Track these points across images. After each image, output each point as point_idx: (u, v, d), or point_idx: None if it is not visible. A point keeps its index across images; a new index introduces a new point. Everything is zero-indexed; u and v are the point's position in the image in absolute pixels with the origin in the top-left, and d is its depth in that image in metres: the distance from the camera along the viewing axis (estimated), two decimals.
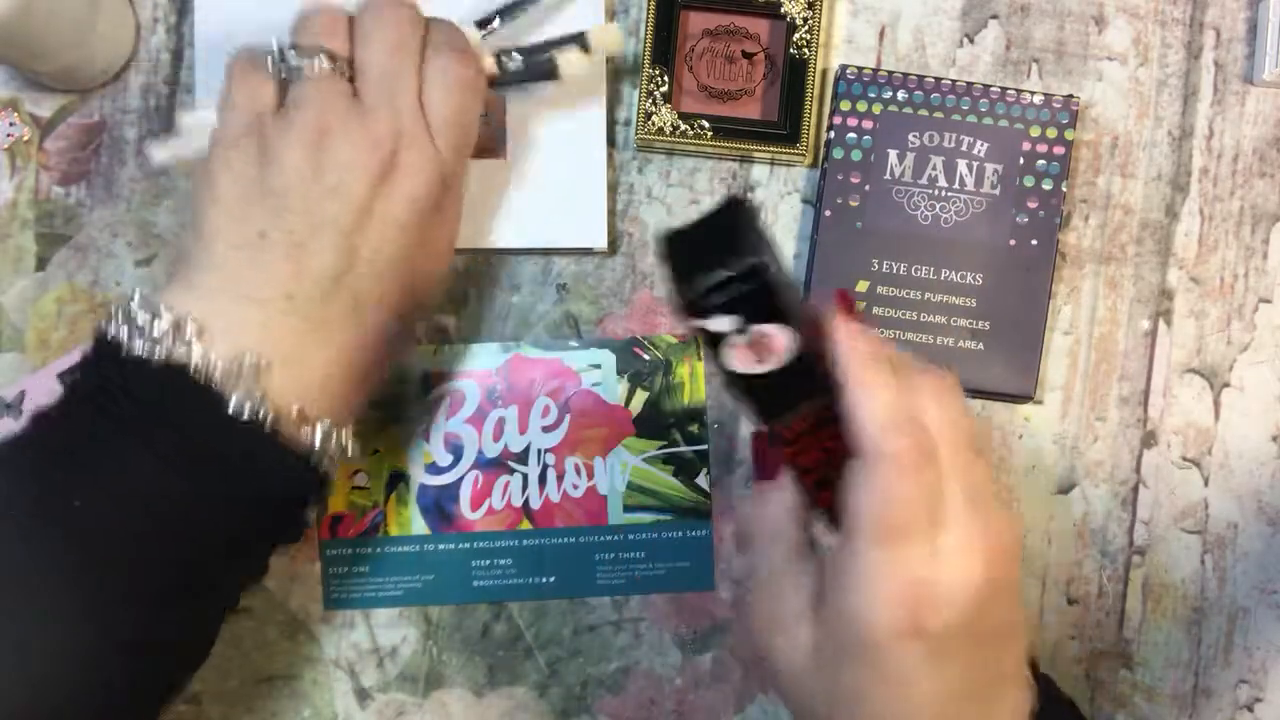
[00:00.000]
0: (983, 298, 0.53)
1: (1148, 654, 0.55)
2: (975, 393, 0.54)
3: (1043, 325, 0.53)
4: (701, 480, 0.54)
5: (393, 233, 0.43)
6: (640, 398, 0.54)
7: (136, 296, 0.40)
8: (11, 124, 0.53)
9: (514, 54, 0.48)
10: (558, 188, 0.53)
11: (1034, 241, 0.53)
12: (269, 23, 0.52)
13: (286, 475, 0.41)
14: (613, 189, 0.54)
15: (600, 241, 0.53)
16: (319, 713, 0.54)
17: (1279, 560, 0.55)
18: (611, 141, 0.54)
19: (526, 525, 0.54)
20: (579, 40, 0.49)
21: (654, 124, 0.52)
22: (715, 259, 0.35)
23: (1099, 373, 0.55)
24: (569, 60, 0.49)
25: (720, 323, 0.36)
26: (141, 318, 0.40)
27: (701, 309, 0.35)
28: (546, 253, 0.54)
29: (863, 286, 0.53)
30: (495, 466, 0.54)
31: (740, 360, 0.36)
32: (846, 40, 0.55)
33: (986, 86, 0.53)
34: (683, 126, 0.52)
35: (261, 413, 0.40)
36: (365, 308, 0.43)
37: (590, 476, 0.54)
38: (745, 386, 0.37)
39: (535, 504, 0.54)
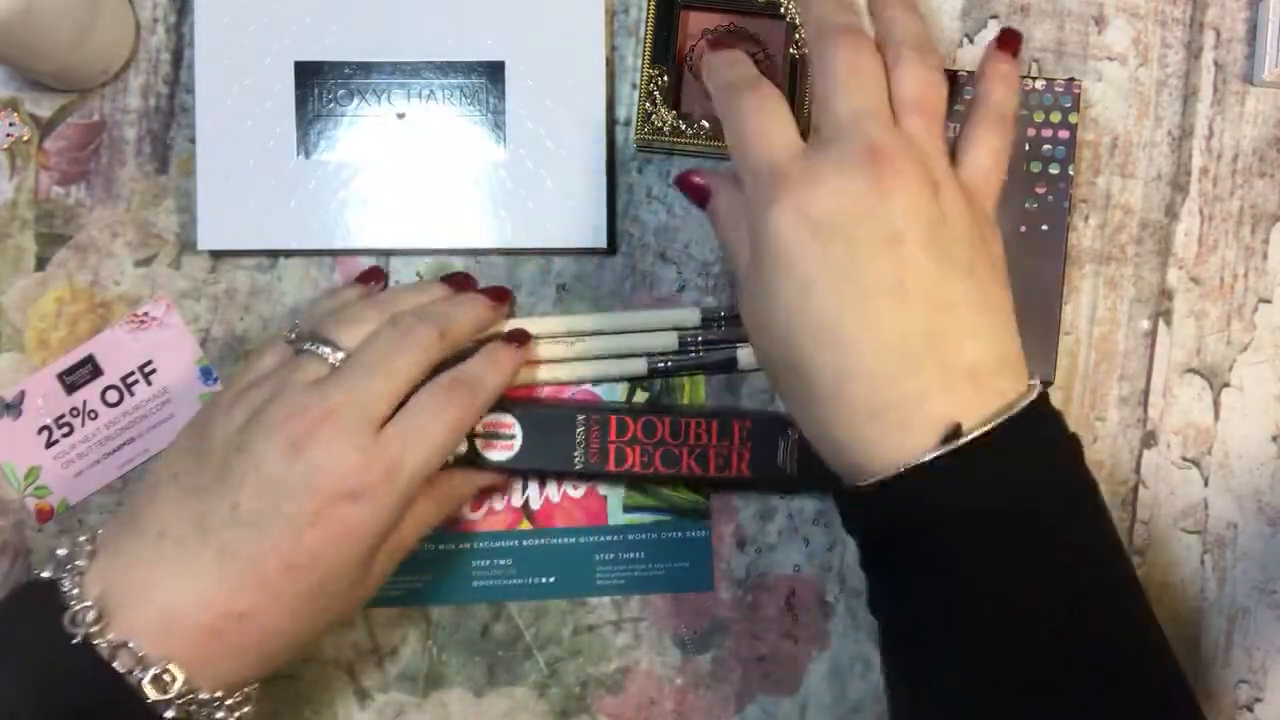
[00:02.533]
0: None
1: None
2: None
3: (1058, 309, 0.53)
4: None
5: (281, 500, 0.42)
6: (640, 398, 0.54)
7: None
8: (11, 124, 0.53)
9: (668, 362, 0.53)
10: (558, 187, 0.53)
11: (1044, 227, 0.53)
12: (268, 23, 0.52)
13: (106, 702, 0.40)
14: (613, 189, 0.54)
15: (600, 241, 0.53)
16: (318, 713, 0.54)
17: (1279, 560, 0.55)
18: (611, 141, 0.54)
19: (526, 526, 0.54)
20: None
21: (654, 124, 0.52)
22: None
23: (1099, 373, 0.55)
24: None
25: None
26: (74, 542, 0.43)
27: None
28: (546, 253, 0.54)
29: None
30: None
31: None
32: None
33: None
34: (683, 126, 0.52)
35: (95, 640, 0.40)
36: (237, 561, 0.42)
37: None
38: None
39: (535, 504, 0.54)
